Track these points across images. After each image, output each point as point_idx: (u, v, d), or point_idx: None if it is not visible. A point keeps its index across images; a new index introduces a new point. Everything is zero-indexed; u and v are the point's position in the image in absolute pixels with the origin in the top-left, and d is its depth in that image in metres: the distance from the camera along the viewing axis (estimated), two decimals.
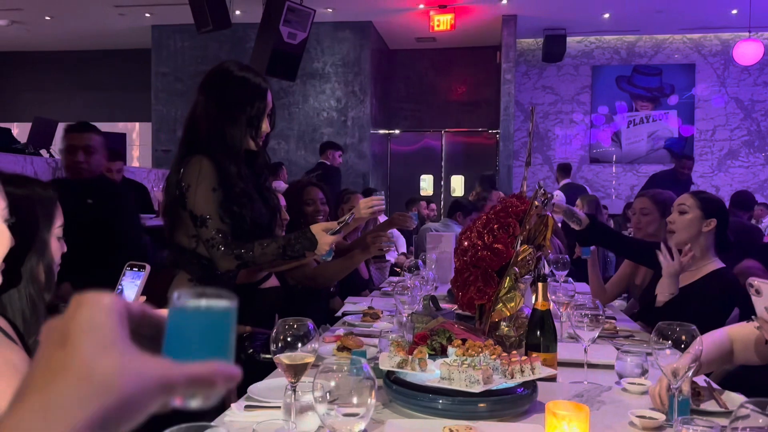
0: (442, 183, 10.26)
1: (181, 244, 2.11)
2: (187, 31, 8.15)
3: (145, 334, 0.44)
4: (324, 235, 2.07)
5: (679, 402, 1.36)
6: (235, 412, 1.41)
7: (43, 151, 6.14)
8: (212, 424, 0.73)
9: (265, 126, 2.14)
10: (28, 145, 6.00)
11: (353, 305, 2.98)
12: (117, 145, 6.45)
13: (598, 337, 1.76)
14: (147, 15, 8.78)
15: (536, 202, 1.93)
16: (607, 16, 8.54)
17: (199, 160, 2.00)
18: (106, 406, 0.39)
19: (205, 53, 8.78)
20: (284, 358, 1.22)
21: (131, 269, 1.41)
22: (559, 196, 6.91)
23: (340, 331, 2.25)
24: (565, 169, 8.00)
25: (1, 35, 9.78)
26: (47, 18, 9.00)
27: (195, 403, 0.45)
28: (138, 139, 10.63)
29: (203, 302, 0.46)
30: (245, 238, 2.03)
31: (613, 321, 2.51)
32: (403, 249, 5.36)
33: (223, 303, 0.46)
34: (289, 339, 1.23)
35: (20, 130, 6.76)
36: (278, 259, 2.07)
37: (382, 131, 9.90)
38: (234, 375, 0.45)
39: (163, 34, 9.23)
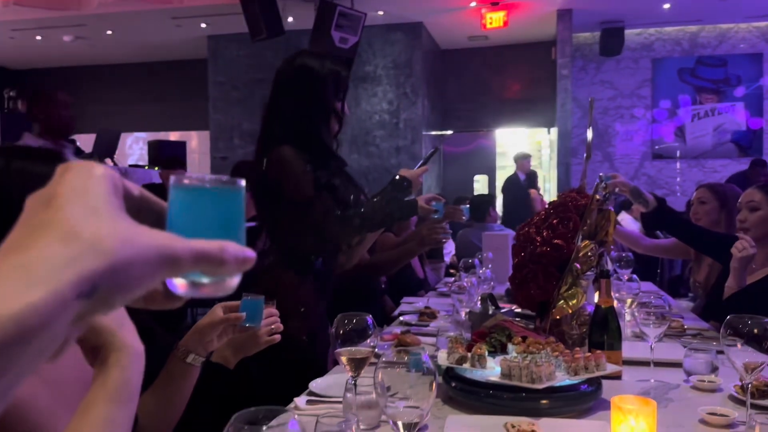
0: (497, 183, 10.15)
1: (283, 242, 2.11)
2: (241, 40, 8.33)
3: (145, 220, 0.39)
4: (409, 171, 2.17)
5: None
6: (298, 406, 1.43)
7: (108, 160, 6.39)
8: (281, 407, 0.74)
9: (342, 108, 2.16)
10: (93, 154, 6.26)
11: (409, 305, 2.98)
12: (178, 152, 6.66)
13: (666, 335, 1.70)
14: (203, 25, 9.02)
15: (597, 196, 1.89)
16: (667, 6, 8.26)
17: (279, 149, 2.01)
18: (95, 269, 0.34)
19: (260, 61, 8.95)
20: (344, 352, 1.23)
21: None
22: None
23: (398, 330, 2.25)
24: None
25: (66, 50, 10.22)
26: (108, 32, 9.36)
27: (205, 288, 0.41)
28: (197, 148, 10.92)
29: (207, 180, 0.42)
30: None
31: (680, 320, 2.42)
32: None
33: (228, 181, 0.42)
34: (348, 334, 1.24)
35: (84, 141, 7.06)
36: (385, 210, 2.08)
37: (434, 132, 9.87)
38: (247, 257, 0.40)
39: (219, 44, 9.46)
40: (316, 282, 2.09)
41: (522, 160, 8.66)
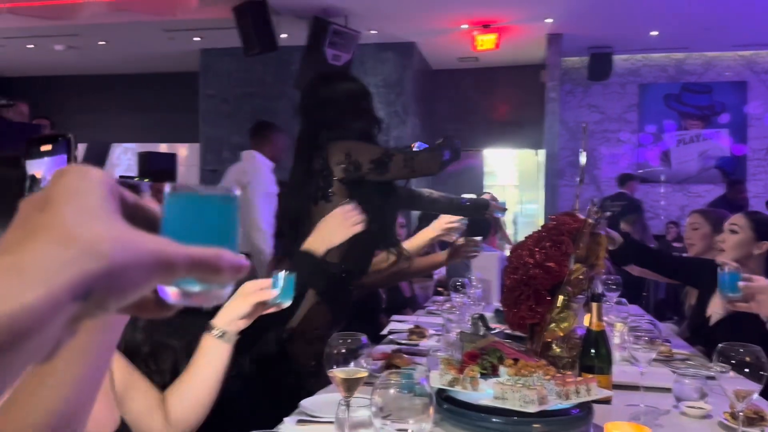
0: None
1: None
2: (233, 54, 8.34)
3: (139, 227, 0.39)
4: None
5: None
6: (288, 426, 1.41)
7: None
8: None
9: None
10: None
11: (399, 323, 2.97)
12: (168, 164, 6.63)
13: (654, 360, 1.71)
14: (196, 39, 9.03)
15: (589, 220, 1.90)
16: (654, 33, 8.40)
17: (334, 143, 2.13)
18: (90, 273, 0.34)
19: (251, 75, 8.96)
20: (339, 372, 1.22)
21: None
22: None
23: (388, 350, 2.24)
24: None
25: (57, 60, 10.18)
26: (101, 43, 9.33)
27: (197, 297, 0.41)
28: (185, 160, 10.88)
29: (201, 188, 0.42)
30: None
31: (668, 344, 2.44)
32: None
33: (223, 189, 0.43)
34: (343, 354, 1.23)
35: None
36: (455, 146, 2.35)
37: None
38: (242, 265, 0.40)
39: (211, 58, 9.47)
40: (331, 305, 2.10)
41: (630, 181, 8.14)
